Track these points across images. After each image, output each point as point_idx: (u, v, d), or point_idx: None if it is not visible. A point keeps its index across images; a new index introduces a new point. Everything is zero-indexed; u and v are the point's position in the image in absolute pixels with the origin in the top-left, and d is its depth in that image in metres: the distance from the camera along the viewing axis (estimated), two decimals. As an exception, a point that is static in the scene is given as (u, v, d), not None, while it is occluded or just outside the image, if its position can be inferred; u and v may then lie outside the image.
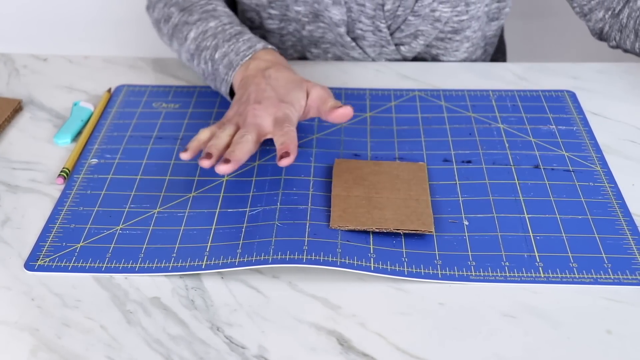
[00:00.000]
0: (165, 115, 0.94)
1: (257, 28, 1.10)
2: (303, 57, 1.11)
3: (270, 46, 0.92)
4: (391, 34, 1.04)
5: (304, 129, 0.90)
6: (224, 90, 0.92)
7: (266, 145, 0.88)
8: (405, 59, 1.08)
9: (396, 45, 1.06)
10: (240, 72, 0.89)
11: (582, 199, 0.78)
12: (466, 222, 0.76)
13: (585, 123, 0.91)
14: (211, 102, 0.97)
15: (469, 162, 0.85)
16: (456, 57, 1.08)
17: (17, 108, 0.96)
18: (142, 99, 0.98)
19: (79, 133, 0.92)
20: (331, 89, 0.98)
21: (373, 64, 1.06)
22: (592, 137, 0.88)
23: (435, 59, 1.09)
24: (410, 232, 0.74)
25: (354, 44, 1.05)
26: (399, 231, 0.74)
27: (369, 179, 0.80)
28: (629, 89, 0.98)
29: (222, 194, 0.80)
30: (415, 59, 1.09)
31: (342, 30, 1.03)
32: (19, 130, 0.93)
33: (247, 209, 0.78)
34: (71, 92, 1.00)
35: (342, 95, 0.97)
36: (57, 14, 1.84)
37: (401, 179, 0.81)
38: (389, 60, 1.08)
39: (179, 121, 0.93)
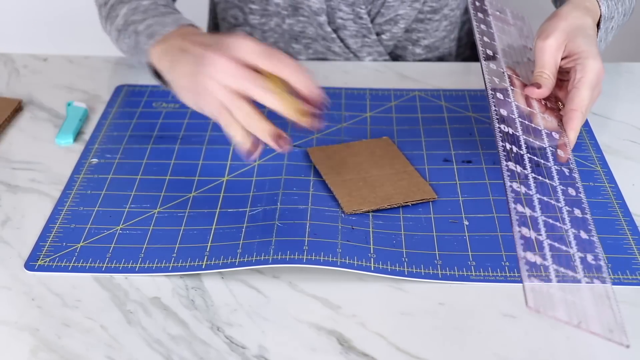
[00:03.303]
0: (166, 115, 0.94)
1: (241, 25, 1.10)
2: None
3: (198, 26, 0.86)
4: (372, 21, 1.05)
5: (304, 128, 0.90)
6: (144, 60, 0.86)
7: (267, 145, 0.87)
8: (387, 50, 1.08)
9: (377, 34, 1.06)
10: (161, 42, 0.83)
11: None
12: (466, 222, 0.76)
13: (586, 123, 0.91)
14: (211, 102, 0.96)
15: (469, 162, 0.85)
16: (436, 37, 1.09)
17: (17, 108, 0.96)
18: (142, 99, 0.98)
19: (80, 132, 0.92)
20: (332, 88, 0.99)
21: (373, 64, 1.06)
22: (592, 137, 0.88)
23: (415, 44, 1.09)
24: (417, 202, 0.77)
25: (334, 35, 1.05)
26: (407, 204, 0.77)
27: (351, 161, 0.82)
28: (629, 88, 0.98)
29: (222, 194, 0.80)
30: (396, 47, 1.09)
31: (323, 19, 1.03)
32: (19, 130, 0.93)
33: (248, 209, 0.78)
34: (71, 92, 1.00)
35: (342, 94, 0.97)
36: (57, 14, 1.85)
37: (378, 155, 0.84)
38: (370, 53, 1.08)
39: (179, 121, 0.93)
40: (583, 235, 0.69)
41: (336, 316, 0.67)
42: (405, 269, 0.71)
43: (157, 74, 0.87)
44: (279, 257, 0.70)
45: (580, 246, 0.68)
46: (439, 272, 0.71)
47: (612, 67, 1.02)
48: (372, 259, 0.71)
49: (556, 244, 0.67)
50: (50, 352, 0.64)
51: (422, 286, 0.70)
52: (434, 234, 0.75)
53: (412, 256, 0.72)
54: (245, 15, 1.08)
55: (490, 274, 0.70)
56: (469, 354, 0.64)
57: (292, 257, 0.70)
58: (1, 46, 1.24)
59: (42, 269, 0.72)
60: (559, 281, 0.64)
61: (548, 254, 0.66)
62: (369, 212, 0.77)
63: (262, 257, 0.71)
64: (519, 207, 0.69)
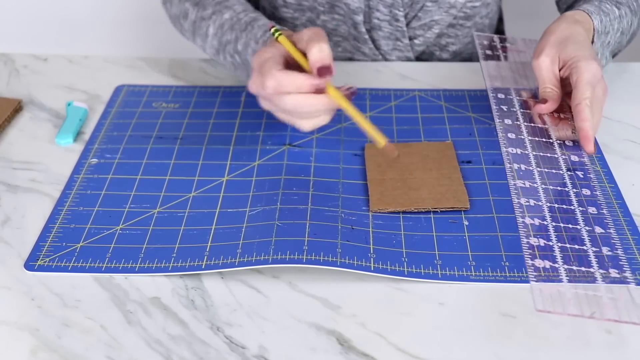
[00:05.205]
0: (165, 115, 0.94)
1: (269, 17, 1.10)
2: None
3: (284, 28, 0.88)
4: (407, 24, 1.05)
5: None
6: None
7: (267, 145, 0.88)
8: (414, 54, 1.09)
9: (410, 38, 1.07)
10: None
11: (583, 199, 0.78)
12: (466, 222, 0.76)
13: (585, 123, 0.91)
14: (211, 102, 0.97)
15: (469, 162, 0.85)
16: (463, 43, 1.10)
17: (17, 108, 0.96)
18: (142, 99, 0.98)
19: (79, 132, 0.92)
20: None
21: (374, 64, 1.06)
22: (592, 137, 0.88)
23: (443, 49, 1.09)
24: (446, 209, 0.77)
25: (367, 36, 1.05)
26: (436, 209, 0.77)
27: (401, 161, 0.82)
28: (628, 88, 0.98)
29: (222, 194, 0.80)
30: (424, 52, 1.09)
31: (359, 18, 1.03)
32: (19, 130, 0.93)
33: (247, 209, 0.78)
34: (71, 92, 1.00)
35: (342, 95, 0.97)
36: (57, 14, 1.85)
37: (431, 159, 0.84)
38: (400, 57, 1.08)
39: (179, 121, 0.93)
40: (598, 230, 0.71)
41: (336, 316, 0.67)
42: (405, 269, 0.71)
43: None
44: (279, 257, 0.70)
45: (594, 242, 0.70)
46: (439, 272, 0.71)
47: (612, 67, 1.02)
48: (372, 259, 0.71)
49: (567, 245, 0.69)
50: (50, 352, 0.64)
51: (422, 286, 0.70)
52: (434, 234, 0.75)
53: (412, 256, 0.72)
54: (276, 8, 1.08)
55: (490, 274, 0.70)
56: (469, 354, 0.64)
57: (292, 257, 0.70)
58: (1, 46, 1.24)
59: (42, 269, 0.72)
60: (570, 280, 0.66)
61: (558, 256, 0.68)
62: (393, 213, 0.77)
63: (262, 257, 0.71)
64: (527, 220, 0.71)
